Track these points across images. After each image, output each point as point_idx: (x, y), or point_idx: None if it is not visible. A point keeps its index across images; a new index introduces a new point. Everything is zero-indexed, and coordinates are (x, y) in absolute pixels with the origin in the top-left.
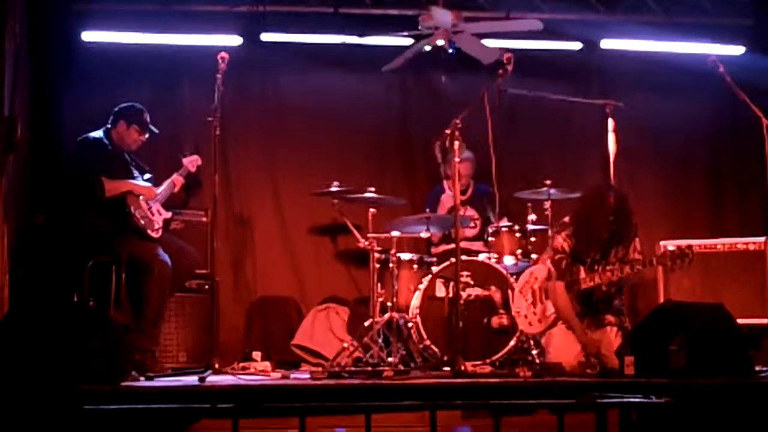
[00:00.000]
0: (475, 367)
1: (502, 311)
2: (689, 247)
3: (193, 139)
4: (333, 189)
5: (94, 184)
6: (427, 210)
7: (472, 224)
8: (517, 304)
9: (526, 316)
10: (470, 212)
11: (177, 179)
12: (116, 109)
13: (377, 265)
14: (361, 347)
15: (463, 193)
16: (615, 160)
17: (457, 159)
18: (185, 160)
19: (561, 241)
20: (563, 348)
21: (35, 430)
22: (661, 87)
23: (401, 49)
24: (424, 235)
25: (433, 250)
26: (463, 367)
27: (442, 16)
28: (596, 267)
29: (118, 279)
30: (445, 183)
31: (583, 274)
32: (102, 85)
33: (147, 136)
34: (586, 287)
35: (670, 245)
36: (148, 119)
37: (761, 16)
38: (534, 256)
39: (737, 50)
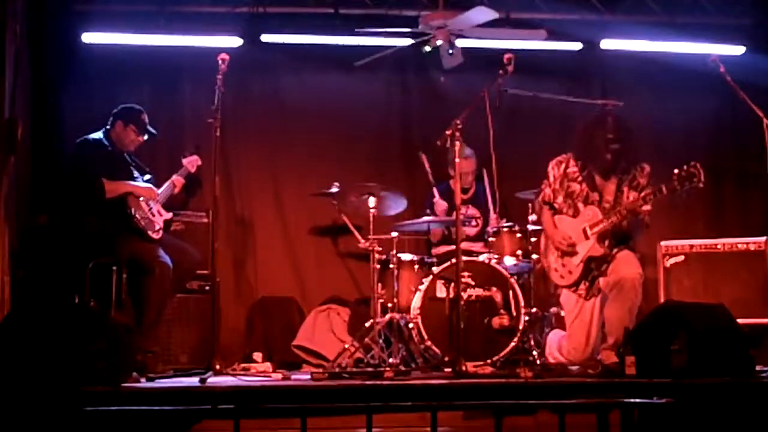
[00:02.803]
0: (476, 368)
1: (502, 311)
2: (695, 165)
3: (194, 140)
4: (333, 190)
5: (95, 186)
6: (427, 211)
7: (474, 223)
8: (548, 258)
9: (556, 270)
10: (472, 211)
11: (177, 180)
12: (114, 110)
13: (378, 266)
14: (361, 348)
15: (465, 192)
16: None
17: (457, 159)
18: (185, 161)
19: (550, 168)
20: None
21: None
22: (662, 87)
23: (402, 50)
24: (426, 223)
25: (434, 250)
26: (464, 368)
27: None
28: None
29: (119, 280)
30: (451, 181)
31: (600, 215)
32: (102, 86)
33: (145, 136)
34: (604, 229)
35: (670, 243)
36: (146, 120)
37: (761, 16)
38: (534, 256)
39: (738, 50)
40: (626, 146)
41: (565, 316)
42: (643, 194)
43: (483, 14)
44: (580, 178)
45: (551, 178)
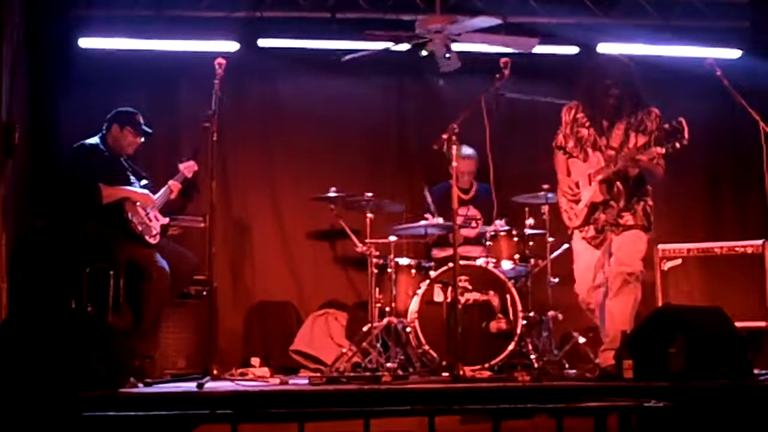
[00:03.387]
0: (473, 372)
1: (500, 315)
2: (680, 122)
3: (191, 144)
4: (331, 194)
5: (92, 191)
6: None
7: (474, 224)
8: (560, 200)
9: (566, 211)
10: (473, 212)
11: (174, 185)
12: (109, 114)
13: (375, 270)
14: (359, 352)
15: (466, 192)
16: None
17: (454, 163)
18: (181, 166)
19: (562, 114)
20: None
21: None
22: (658, 91)
23: (400, 53)
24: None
25: (434, 252)
26: (461, 372)
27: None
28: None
29: (116, 285)
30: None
31: (602, 162)
32: (99, 91)
33: (142, 137)
34: (606, 176)
35: (668, 247)
36: (142, 120)
37: (758, 19)
38: (532, 260)
39: (734, 54)
40: (627, 90)
41: (574, 257)
42: (637, 145)
43: (485, 21)
44: (588, 123)
45: (563, 124)
